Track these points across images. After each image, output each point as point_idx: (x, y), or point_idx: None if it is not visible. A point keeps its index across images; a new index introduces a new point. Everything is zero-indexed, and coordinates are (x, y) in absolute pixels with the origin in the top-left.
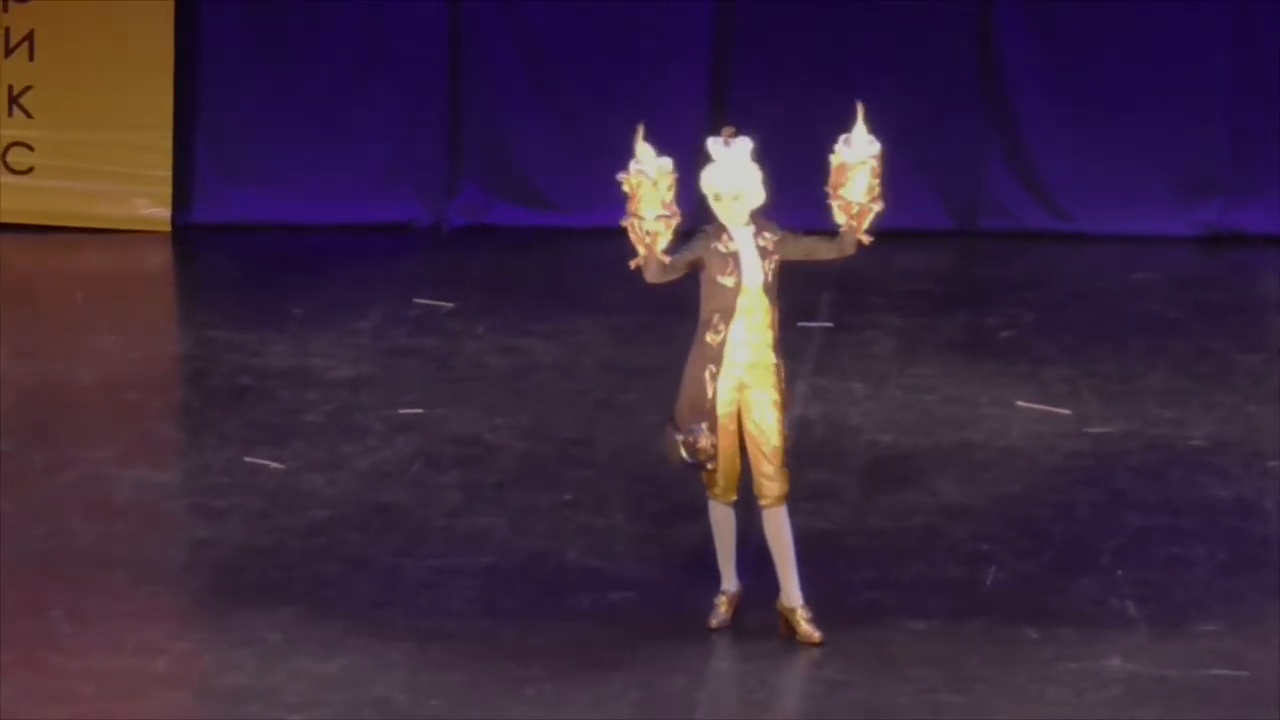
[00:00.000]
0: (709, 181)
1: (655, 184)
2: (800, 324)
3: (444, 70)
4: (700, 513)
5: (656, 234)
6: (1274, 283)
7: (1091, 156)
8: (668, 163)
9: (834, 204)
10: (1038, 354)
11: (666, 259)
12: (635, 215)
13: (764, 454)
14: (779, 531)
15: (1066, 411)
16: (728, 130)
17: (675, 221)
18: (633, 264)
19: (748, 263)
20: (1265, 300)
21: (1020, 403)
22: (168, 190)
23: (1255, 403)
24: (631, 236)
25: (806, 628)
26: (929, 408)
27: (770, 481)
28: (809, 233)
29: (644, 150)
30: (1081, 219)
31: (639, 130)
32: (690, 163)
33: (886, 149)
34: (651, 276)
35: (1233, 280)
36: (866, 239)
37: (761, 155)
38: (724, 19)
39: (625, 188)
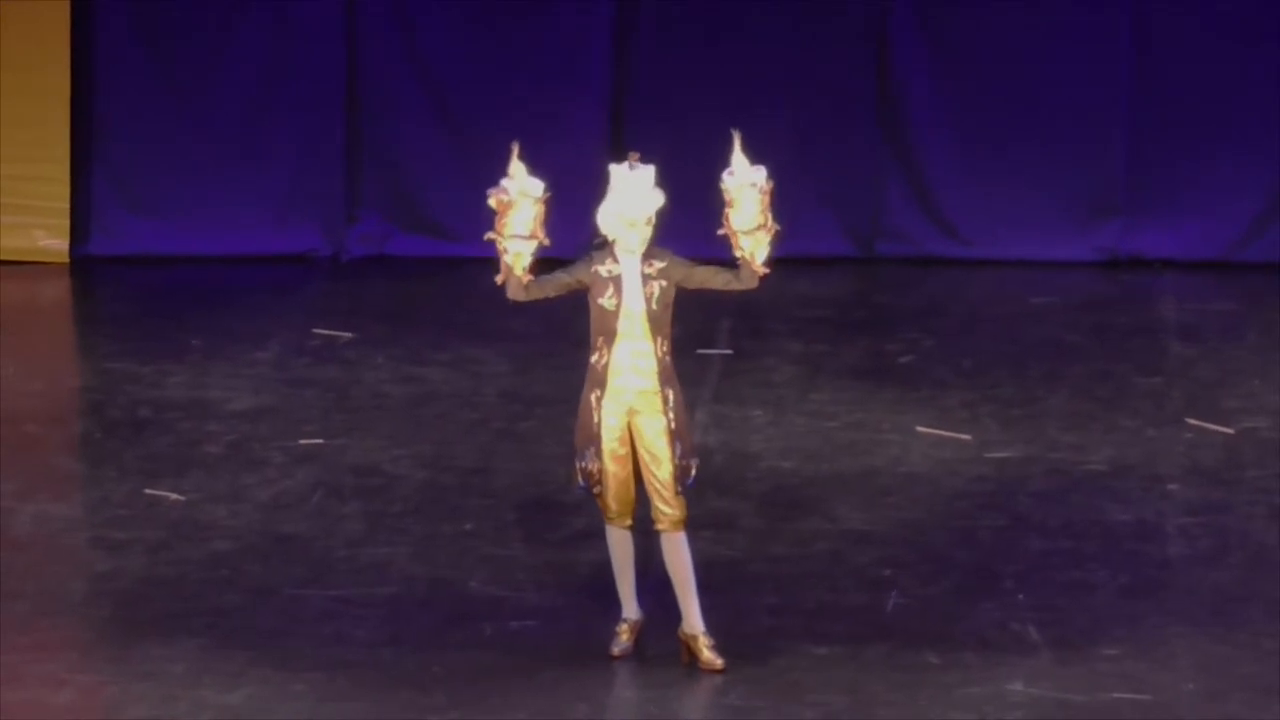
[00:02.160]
0: (620, 208)
1: (515, 204)
2: (700, 351)
3: (341, 100)
4: (601, 540)
5: (518, 254)
6: (1173, 306)
7: (990, 182)
8: (538, 185)
9: (728, 235)
10: (938, 379)
11: (526, 278)
12: (498, 233)
13: (657, 480)
14: (677, 558)
15: (967, 437)
16: (632, 155)
17: (535, 244)
18: (497, 279)
19: (629, 287)
20: (1164, 323)
21: (921, 428)
22: (66, 222)
23: (1155, 426)
24: (497, 251)
25: (708, 655)
26: (829, 434)
27: (665, 507)
28: (706, 261)
29: (517, 169)
30: (981, 244)
31: (514, 148)
32: (589, 192)
33: (787, 176)
34: (512, 294)
35: (1132, 303)
36: (763, 270)
37: (660, 184)
38: (623, 51)
39: (492, 203)
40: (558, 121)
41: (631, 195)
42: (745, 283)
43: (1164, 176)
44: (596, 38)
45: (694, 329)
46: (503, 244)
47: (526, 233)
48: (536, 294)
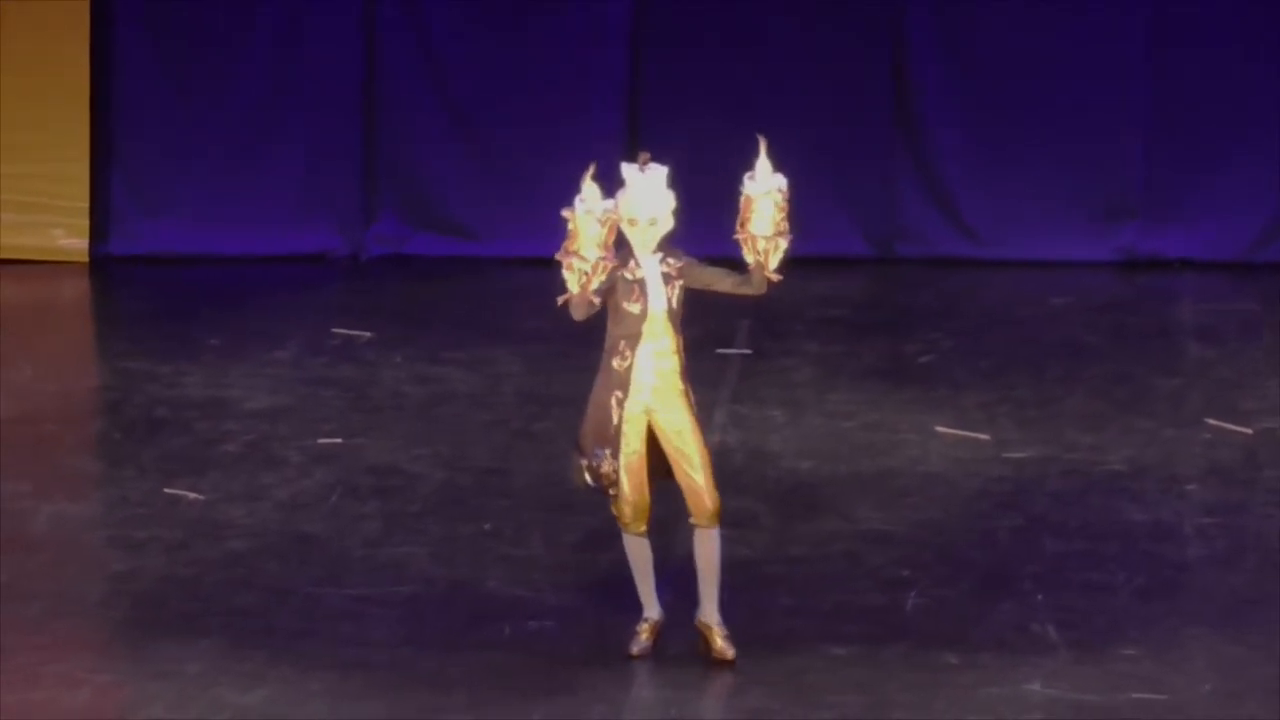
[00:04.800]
0: (626, 208)
1: (601, 224)
2: (719, 351)
3: (359, 100)
4: (619, 539)
5: (592, 274)
6: (1190, 306)
7: (1008, 182)
8: (612, 205)
9: (741, 240)
10: (956, 380)
11: (596, 300)
12: (574, 253)
13: (693, 478)
14: (710, 552)
15: (985, 437)
16: (643, 156)
17: (611, 266)
18: (560, 299)
19: (653, 289)
20: (1182, 324)
21: (939, 428)
22: (85, 222)
23: (1173, 427)
24: (564, 272)
25: (721, 644)
26: (848, 434)
27: (702, 498)
28: (716, 262)
29: (591, 190)
30: (998, 245)
31: (590, 169)
32: (606, 193)
33: (803, 177)
34: (579, 314)
35: (1150, 304)
36: (775, 277)
37: (676, 185)
38: (639, 52)
39: (569, 224)
40: (574, 122)
41: (636, 195)
42: (755, 288)
43: (1181, 177)
44: (612, 39)
45: (713, 329)
46: (581, 264)
47: (605, 255)
48: (594, 311)
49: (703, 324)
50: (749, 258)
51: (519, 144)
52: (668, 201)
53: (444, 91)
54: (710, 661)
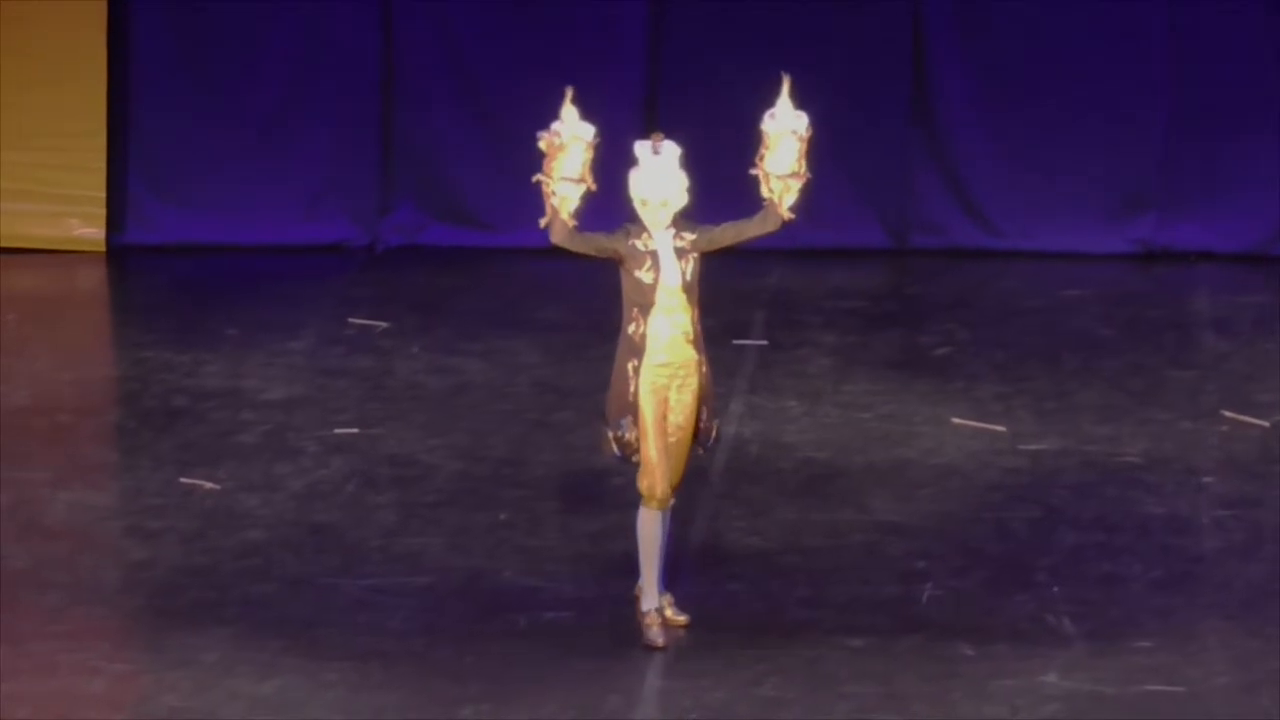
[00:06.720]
0: (637, 188)
1: (566, 148)
2: (735, 342)
3: (376, 90)
4: (635, 529)
5: (564, 198)
6: (1207, 299)
7: (1024, 174)
8: (589, 130)
9: (758, 174)
10: (972, 371)
11: (572, 223)
12: (546, 175)
13: (681, 450)
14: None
15: (1001, 429)
16: (656, 135)
17: (583, 188)
18: (541, 222)
19: (665, 261)
20: (1198, 316)
21: (955, 420)
22: (102, 211)
23: (1189, 419)
24: (544, 193)
25: (672, 613)
26: (864, 425)
27: (673, 477)
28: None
29: (569, 112)
30: (1015, 236)
31: (569, 92)
32: (623, 178)
33: (820, 167)
34: (555, 237)
35: (1166, 297)
36: (789, 215)
37: (693, 179)
38: (656, 40)
39: (541, 145)
40: (592, 109)
41: (650, 177)
42: (768, 225)
43: (1198, 169)
44: (630, 27)
45: (729, 320)
46: (551, 186)
47: (576, 176)
48: (579, 245)
49: (719, 315)
50: (764, 192)
51: (535, 134)
52: (680, 181)
53: (461, 82)
54: (714, 651)
